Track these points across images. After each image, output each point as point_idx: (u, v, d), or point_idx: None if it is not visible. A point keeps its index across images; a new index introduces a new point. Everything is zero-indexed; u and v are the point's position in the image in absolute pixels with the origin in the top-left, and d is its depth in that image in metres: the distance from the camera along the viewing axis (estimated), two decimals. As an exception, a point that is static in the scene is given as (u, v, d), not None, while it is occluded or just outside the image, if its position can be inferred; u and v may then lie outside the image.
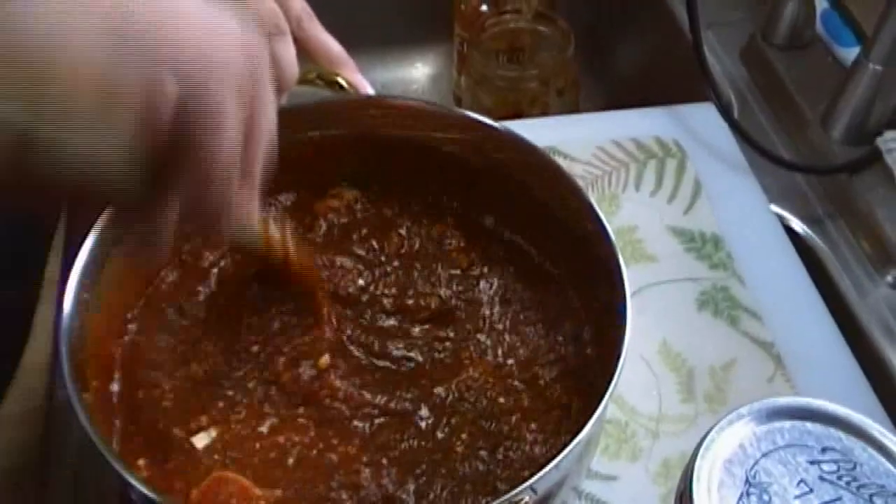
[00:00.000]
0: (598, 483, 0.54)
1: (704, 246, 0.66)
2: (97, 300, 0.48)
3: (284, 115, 0.43)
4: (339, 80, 0.55)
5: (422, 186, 0.58)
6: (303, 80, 0.57)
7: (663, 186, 0.69)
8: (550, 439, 0.48)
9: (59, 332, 0.44)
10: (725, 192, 0.69)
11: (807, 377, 0.59)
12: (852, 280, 0.66)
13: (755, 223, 0.68)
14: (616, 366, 0.43)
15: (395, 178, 0.58)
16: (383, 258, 0.55)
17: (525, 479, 0.39)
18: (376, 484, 0.45)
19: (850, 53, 0.72)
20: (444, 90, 1.02)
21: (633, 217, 0.67)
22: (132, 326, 0.52)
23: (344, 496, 0.45)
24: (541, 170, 0.54)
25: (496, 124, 0.55)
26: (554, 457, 0.40)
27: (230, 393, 0.49)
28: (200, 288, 0.54)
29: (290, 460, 0.47)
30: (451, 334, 0.53)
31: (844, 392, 0.58)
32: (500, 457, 0.47)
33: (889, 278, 0.65)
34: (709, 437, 0.40)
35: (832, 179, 0.70)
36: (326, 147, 0.57)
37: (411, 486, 0.46)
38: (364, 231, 0.57)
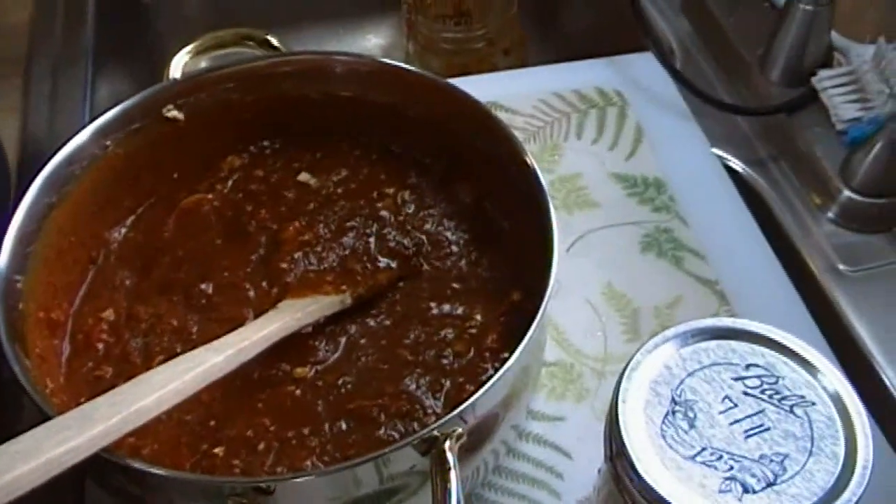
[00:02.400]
0: (544, 424, 0.55)
1: (647, 190, 0.66)
2: (38, 261, 0.49)
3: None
4: (270, 38, 0.56)
5: (354, 138, 0.59)
6: (234, 43, 0.58)
7: (605, 134, 0.70)
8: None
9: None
10: (667, 138, 0.70)
11: (751, 312, 0.60)
12: (794, 217, 0.67)
13: (697, 166, 0.69)
14: (545, 289, 0.44)
15: (325, 132, 0.58)
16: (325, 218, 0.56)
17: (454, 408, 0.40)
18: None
19: (785, -2, 0.73)
20: (399, 59, 1.02)
21: (575, 165, 0.68)
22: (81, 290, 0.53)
23: None
24: (468, 114, 0.54)
25: (424, 73, 0.55)
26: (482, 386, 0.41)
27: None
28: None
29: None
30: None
31: (788, 327, 0.59)
32: (444, 396, 0.48)
33: (830, 214, 0.66)
34: (634, 360, 0.41)
35: (771, 120, 0.71)
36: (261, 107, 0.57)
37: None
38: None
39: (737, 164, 0.71)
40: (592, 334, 0.59)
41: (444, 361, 0.50)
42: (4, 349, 0.44)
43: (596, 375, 0.57)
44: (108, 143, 0.53)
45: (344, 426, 0.47)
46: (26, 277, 0.48)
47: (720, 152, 0.71)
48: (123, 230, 0.56)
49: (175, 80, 0.55)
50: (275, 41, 0.56)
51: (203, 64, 0.59)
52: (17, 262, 0.47)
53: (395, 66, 0.57)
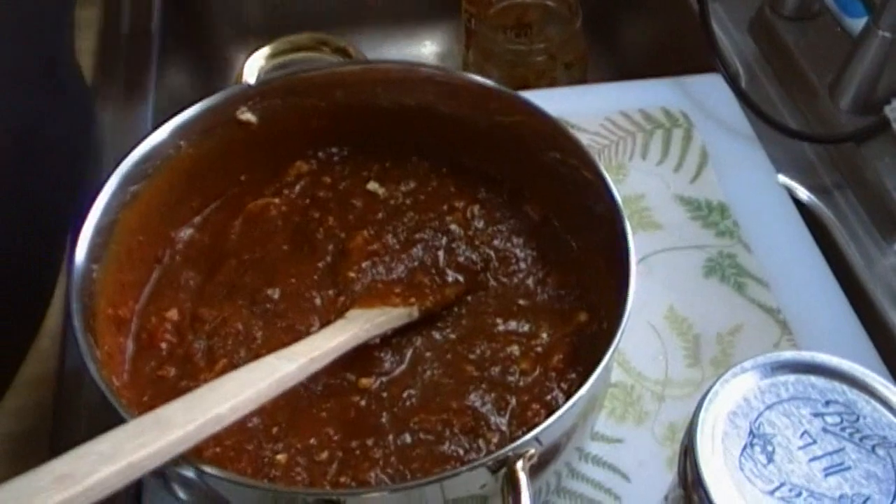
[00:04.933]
0: (604, 445, 0.54)
1: (711, 214, 0.66)
2: (109, 256, 0.49)
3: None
4: (345, 45, 0.56)
5: (423, 149, 0.59)
6: (309, 47, 0.58)
7: (669, 156, 0.69)
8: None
9: (71, 286, 0.45)
10: (732, 162, 0.69)
11: (813, 343, 0.59)
12: (859, 249, 0.66)
13: (762, 192, 0.68)
14: (620, 321, 0.44)
15: (394, 141, 0.58)
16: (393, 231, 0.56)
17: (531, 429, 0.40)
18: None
19: (858, 24, 0.72)
20: (454, 67, 1.02)
21: (639, 185, 0.67)
22: (146, 289, 0.53)
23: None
24: (540, 129, 0.54)
25: (500, 86, 0.55)
26: (557, 409, 0.41)
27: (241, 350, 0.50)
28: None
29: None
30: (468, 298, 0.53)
31: (851, 359, 0.58)
32: (509, 414, 0.48)
33: (896, 247, 0.65)
34: (713, 390, 0.41)
35: (839, 149, 0.70)
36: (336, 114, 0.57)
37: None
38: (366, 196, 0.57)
39: (802, 192, 0.70)
40: (654, 357, 0.58)
41: (510, 379, 0.49)
42: (79, 342, 0.44)
43: (656, 399, 0.56)
44: (182, 142, 0.53)
45: (408, 439, 0.47)
46: (99, 270, 0.48)
47: (785, 179, 0.70)
48: (190, 231, 0.56)
49: (249, 83, 0.55)
50: (350, 47, 0.56)
51: (277, 67, 0.59)
52: (93, 254, 0.47)
53: (468, 78, 0.57)
